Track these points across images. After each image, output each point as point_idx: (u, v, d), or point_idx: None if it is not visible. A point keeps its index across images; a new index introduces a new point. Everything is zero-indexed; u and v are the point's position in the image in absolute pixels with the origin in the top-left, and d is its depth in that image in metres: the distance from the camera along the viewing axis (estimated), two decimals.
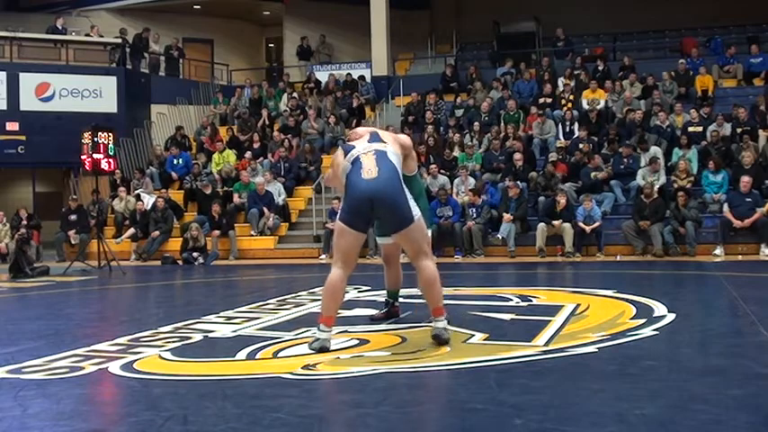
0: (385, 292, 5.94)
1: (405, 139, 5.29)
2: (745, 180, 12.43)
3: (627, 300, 6.71)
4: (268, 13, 24.04)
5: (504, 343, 4.83)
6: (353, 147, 4.84)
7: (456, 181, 14.18)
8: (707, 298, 7.65)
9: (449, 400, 3.64)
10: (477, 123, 16.01)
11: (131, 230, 14.61)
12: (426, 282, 4.71)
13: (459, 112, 17.11)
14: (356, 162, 4.71)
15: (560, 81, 17.25)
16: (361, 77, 19.36)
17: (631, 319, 5.72)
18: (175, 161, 16.79)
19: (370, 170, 4.62)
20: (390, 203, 4.60)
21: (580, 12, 20.53)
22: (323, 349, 4.59)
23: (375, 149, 4.76)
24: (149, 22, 21.19)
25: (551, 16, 19.88)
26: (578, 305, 6.42)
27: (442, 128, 16.62)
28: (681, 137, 14.27)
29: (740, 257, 11.90)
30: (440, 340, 4.64)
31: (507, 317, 5.93)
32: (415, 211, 4.69)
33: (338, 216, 4.79)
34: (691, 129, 14.67)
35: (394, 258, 5.66)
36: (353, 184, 4.64)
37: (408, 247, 4.79)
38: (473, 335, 5.07)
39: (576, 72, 17.54)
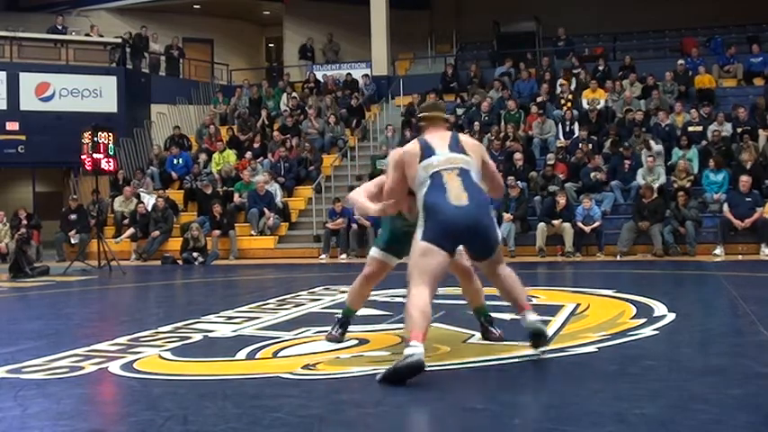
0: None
1: (482, 150, 4.60)
2: (745, 180, 12.44)
3: (627, 299, 6.70)
4: (268, 12, 24.03)
5: (504, 343, 4.83)
6: (434, 152, 4.31)
7: None
8: (707, 298, 7.65)
9: (448, 400, 3.63)
10: (477, 123, 16.01)
11: (131, 230, 14.61)
12: (513, 280, 4.48)
13: (460, 111, 17.09)
14: (436, 179, 4.23)
15: (558, 82, 17.22)
16: (365, 76, 19.36)
17: (631, 318, 5.72)
18: (175, 161, 16.81)
19: (458, 195, 4.17)
20: (484, 234, 4.31)
21: (580, 12, 20.51)
22: (419, 363, 3.88)
23: (460, 168, 4.29)
24: (149, 21, 21.17)
25: (551, 16, 19.87)
26: (578, 305, 6.42)
27: None
28: (681, 137, 14.27)
29: (740, 257, 11.90)
30: (542, 333, 4.36)
31: (507, 317, 5.92)
32: (499, 235, 4.52)
33: (421, 236, 4.22)
34: (691, 128, 14.67)
35: (463, 268, 4.80)
36: (439, 207, 4.18)
37: (485, 265, 4.51)
38: (473, 335, 5.07)
39: (575, 72, 17.53)
